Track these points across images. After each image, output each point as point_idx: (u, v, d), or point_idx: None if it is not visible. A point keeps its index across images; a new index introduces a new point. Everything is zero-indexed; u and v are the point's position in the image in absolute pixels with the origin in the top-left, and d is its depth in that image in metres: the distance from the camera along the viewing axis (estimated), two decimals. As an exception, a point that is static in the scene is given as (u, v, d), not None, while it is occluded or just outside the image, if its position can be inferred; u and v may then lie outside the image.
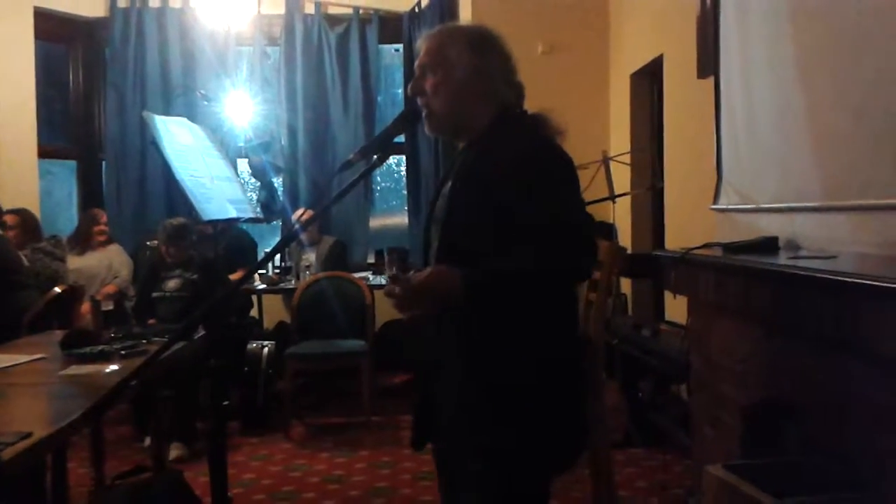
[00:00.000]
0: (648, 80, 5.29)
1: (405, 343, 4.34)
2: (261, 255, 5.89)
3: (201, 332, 2.88)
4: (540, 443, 1.62)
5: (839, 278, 1.75)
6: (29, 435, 1.75)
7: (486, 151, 1.69)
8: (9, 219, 4.80)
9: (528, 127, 1.72)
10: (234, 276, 5.04)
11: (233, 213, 4.91)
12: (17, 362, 2.66)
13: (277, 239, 6.30)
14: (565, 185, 1.65)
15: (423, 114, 1.76)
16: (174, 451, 4.11)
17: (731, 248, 2.52)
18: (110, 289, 5.16)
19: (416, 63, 1.79)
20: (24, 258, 4.39)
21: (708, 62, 3.65)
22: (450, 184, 1.75)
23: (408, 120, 1.83)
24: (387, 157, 1.85)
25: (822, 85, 2.45)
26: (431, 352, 1.75)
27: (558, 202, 1.60)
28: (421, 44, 1.79)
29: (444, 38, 1.77)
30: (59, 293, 4.15)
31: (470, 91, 1.72)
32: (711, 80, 3.43)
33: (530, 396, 1.61)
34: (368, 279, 5.49)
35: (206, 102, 5.81)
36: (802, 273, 1.92)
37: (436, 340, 1.73)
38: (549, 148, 1.67)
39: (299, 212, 5.73)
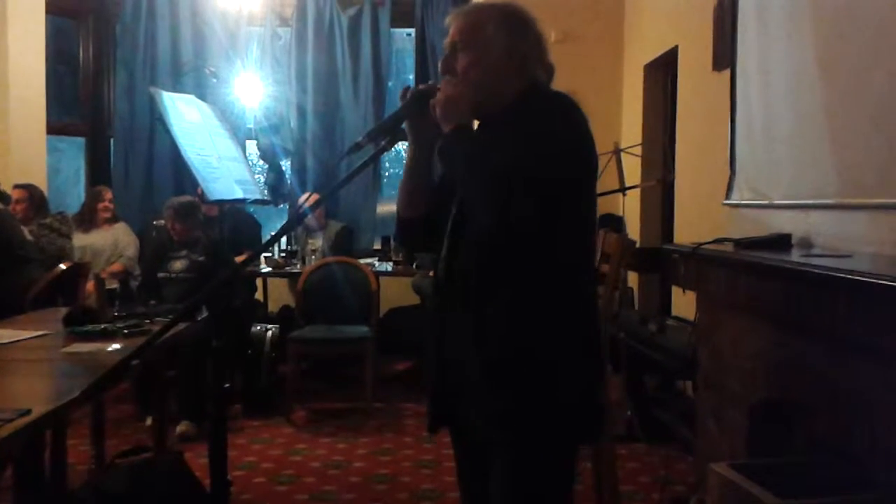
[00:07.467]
0: (662, 72, 5.24)
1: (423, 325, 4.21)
2: (266, 239, 5.87)
3: (205, 313, 2.87)
4: (562, 410, 1.56)
5: (854, 277, 1.72)
6: (28, 412, 1.74)
7: (507, 125, 1.60)
8: (16, 193, 4.79)
9: (558, 104, 1.62)
10: (239, 259, 5.02)
11: (239, 194, 4.88)
12: (20, 338, 2.66)
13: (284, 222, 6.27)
14: (565, 157, 1.53)
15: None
16: (181, 427, 4.11)
17: (742, 244, 2.49)
18: (116, 267, 5.15)
19: (446, 41, 1.69)
20: (27, 233, 4.38)
21: (724, 55, 3.60)
22: None
23: (419, 101, 1.76)
24: (396, 141, 1.79)
25: (840, 82, 2.42)
26: (444, 331, 1.68)
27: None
28: (451, 21, 1.70)
29: (478, 15, 1.67)
30: (63, 270, 4.15)
31: (503, 72, 1.64)
32: (726, 73, 3.38)
33: (549, 368, 1.55)
34: (374, 265, 5.47)
35: (214, 80, 5.77)
36: (816, 271, 1.89)
37: (450, 320, 1.65)
38: (577, 128, 1.58)
39: (305, 195, 5.70)
